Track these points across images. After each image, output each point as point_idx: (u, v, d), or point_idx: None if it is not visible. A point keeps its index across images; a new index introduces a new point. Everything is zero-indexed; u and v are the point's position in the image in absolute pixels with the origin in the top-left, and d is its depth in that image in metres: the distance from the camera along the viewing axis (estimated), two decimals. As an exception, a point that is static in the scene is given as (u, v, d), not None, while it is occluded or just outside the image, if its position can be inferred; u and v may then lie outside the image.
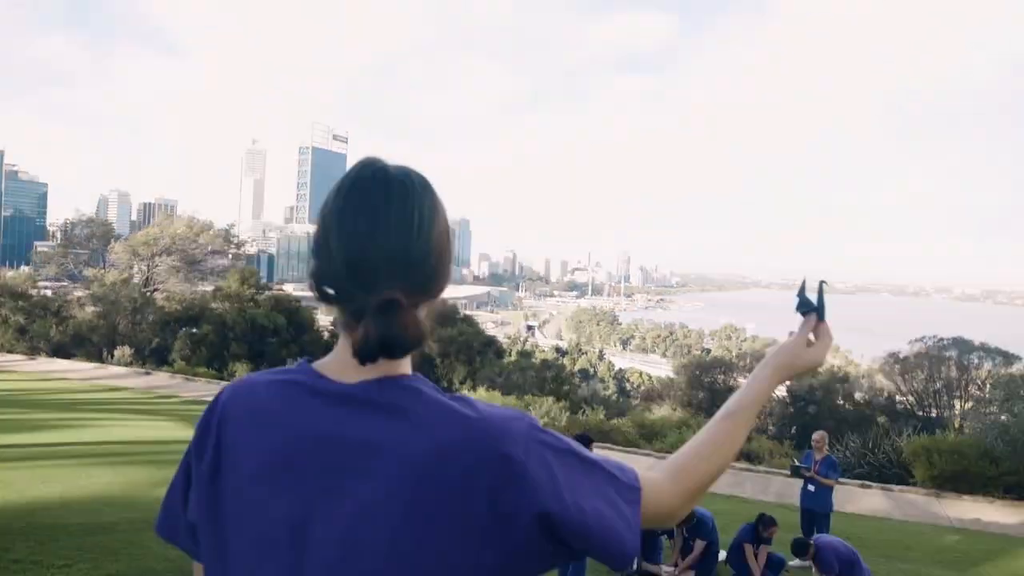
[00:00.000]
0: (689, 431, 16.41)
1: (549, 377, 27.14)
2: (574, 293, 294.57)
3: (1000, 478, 12.82)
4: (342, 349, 0.94)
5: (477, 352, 29.13)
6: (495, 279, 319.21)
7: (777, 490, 13.27)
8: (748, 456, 16.55)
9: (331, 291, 0.92)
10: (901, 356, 21.32)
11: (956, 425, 19.06)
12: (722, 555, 8.40)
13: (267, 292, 32.31)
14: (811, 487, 8.81)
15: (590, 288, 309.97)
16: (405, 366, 0.95)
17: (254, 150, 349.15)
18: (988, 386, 21.02)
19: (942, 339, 21.16)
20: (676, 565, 8.03)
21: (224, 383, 23.46)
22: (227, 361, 26.24)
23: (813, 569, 7.36)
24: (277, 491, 0.88)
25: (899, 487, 13.44)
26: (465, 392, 21.93)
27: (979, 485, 13.03)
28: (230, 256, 40.18)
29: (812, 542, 7.27)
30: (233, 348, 27.06)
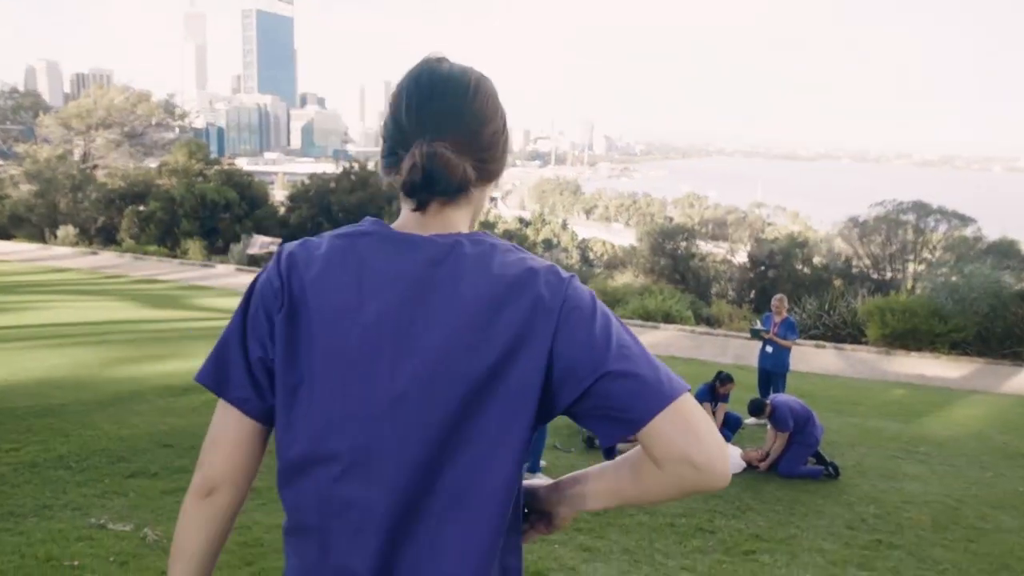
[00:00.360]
0: (651, 297, 16.54)
1: (512, 248, 26.92)
2: (537, 163, 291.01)
3: (947, 335, 13.23)
4: (405, 215, 1.08)
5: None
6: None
7: (735, 352, 13.55)
8: (708, 320, 16.85)
9: (392, 160, 1.05)
10: (860, 220, 21.50)
11: (909, 287, 19.55)
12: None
13: (217, 167, 30.95)
14: (769, 348, 8.89)
15: (553, 157, 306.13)
16: (463, 226, 1.08)
17: (193, 13, 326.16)
18: (940, 248, 21.46)
19: (901, 203, 21.30)
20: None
21: (176, 261, 22.97)
22: (178, 238, 25.43)
23: (768, 427, 7.50)
24: (362, 320, 1.00)
25: (852, 346, 13.82)
26: None
27: (927, 342, 13.45)
28: (176, 130, 38.16)
29: (768, 401, 7.36)
30: (184, 225, 26.16)
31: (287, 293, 1.02)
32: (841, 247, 22.82)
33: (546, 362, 0.98)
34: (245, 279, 19.82)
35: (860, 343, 14.19)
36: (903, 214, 21.31)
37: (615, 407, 0.97)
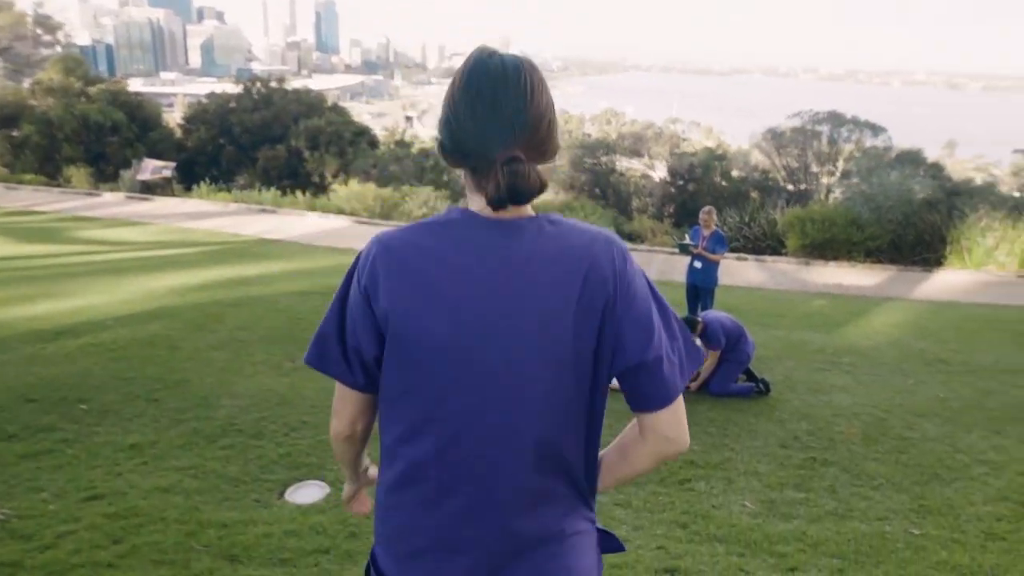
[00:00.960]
0: (572, 214, 16.06)
1: (428, 166, 25.91)
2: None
3: (863, 243, 13.35)
4: (474, 204, 1.29)
5: (349, 143, 27.17)
6: (368, 67, 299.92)
7: (659, 268, 13.32)
8: (630, 236, 16.57)
9: (459, 155, 1.25)
10: (778, 131, 21.46)
11: (823, 197, 19.79)
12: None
13: (100, 85, 28.13)
14: (698, 263, 8.56)
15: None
16: (529, 209, 1.31)
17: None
18: (854, 158, 21.76)
19: (817, 113, 21.33)
20: None
21: (57, 190, 20.91)
22: (59, 165, 23.13)
23: (701, 345, 7.20)
24: (464, 284, 1.22)
25: (772, 258, 13.81)
26: (338, 186, 20.12)
27: (844, 251, 13.55)
28: (57, 48, 34.40)
29: (699, 318, 7.03)
30: (65, 151, 23.76)
31: (373, 281, 1.28)
32: (758, 159, 22.86)
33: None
34: (136, 208, 18.20)
35: (780, 254, 14.20)
36: (818, 125, 21.39)
37: (635, 391, 1.32)
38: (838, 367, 7.92)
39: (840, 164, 21.35)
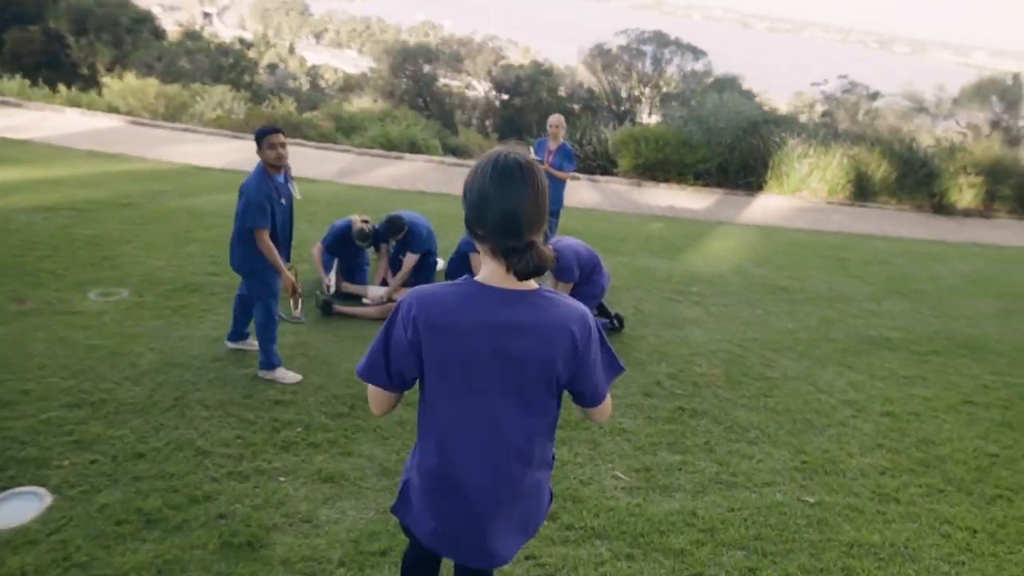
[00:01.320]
0: (393, 123, 14.42)
1: (227, 64, 22.58)
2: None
3: (695, 166, 13.09)
4: (490, 269, 1.76)
5: (127, 30, 22.95)
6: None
7: (489, 186, 12.19)
8: (455, 151, 15.27)
9: (483, 234, 1.72)
10: (605, 48, 20.85)
11: (648, 118, 19.62)
12: (440, 264, 6.99)
13: None
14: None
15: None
16: (533, 283, 1.79)
17: None
18: (675, 80, 21.82)
19: (643, 31, 20.94)
20: (385, 283, 6.41)
21: None
22: None
23: (551, 277, 6.22)
24: (476, 347, 1.74)
25: (604, 178, 13.19)
26: (111, 80, 16.48)
27: (675, 173, 13.24)
28: None
29: (551, 246, 5.99)
30: None
31: (417, 333, 1.76)
32: (585, 77, 22.26)
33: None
34: None
35: (612, 174, 13.64)
36: (644, 44, 21.05)
37: (579, 397, 1.90)
38: (687, 297, 7.35)
39: (662, 86, 21.30)
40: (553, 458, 1.98)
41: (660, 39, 21.15)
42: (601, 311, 6.41)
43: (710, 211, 12.03)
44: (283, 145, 4.44)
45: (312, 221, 8.46)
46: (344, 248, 6.25)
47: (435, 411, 1.85)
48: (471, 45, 21.42)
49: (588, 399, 1.89)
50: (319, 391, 4.62)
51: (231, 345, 5.04)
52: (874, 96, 23.65)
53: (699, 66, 21.57)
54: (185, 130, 13.44)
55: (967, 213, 13.92)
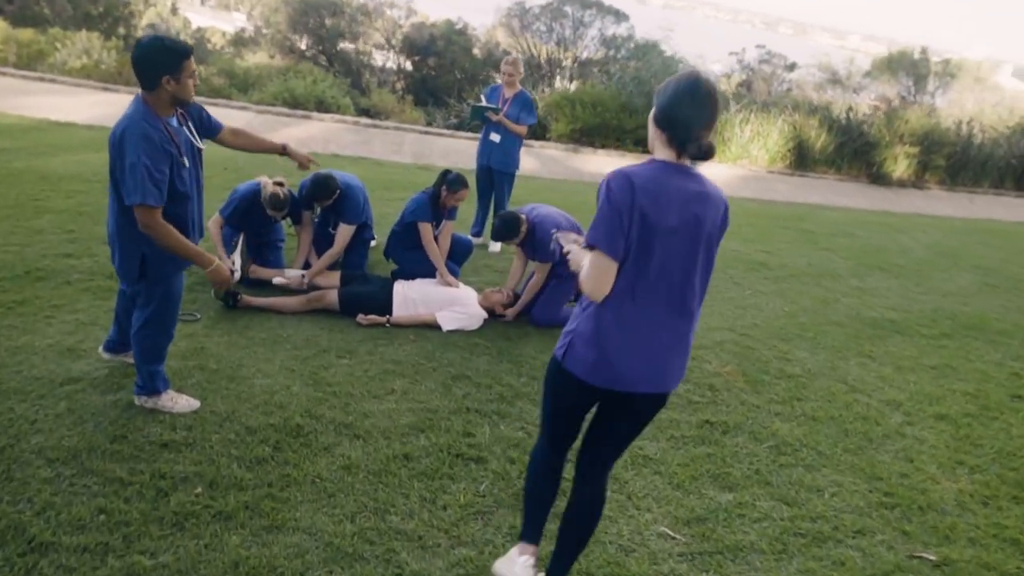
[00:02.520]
0: (297, 79, 12.62)
1: (96, 13, 19.76)
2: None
3: (635, 131, 12.10)
4: (665, 155, 2.11)
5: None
6: None
7: (413, 150, 10.74)
8: (368, 112, 13.64)
9: (674, 131, 2.07)
10: (526, 7, 19.51)
11: (569, 83, 18.50)
12: (374, 241, 5.61)
13: None
14: (495, 135, 6.20)
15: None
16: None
17: None
18: (595, 44, 20.79)
19: (564, -11, 19.71)
20: (308, 265, 4.98)
21: None
22: None
23: (517, 255, 4.98)
24: (672, 214, 2.03)
25: (538, 143, 11.97)
26: None
27: (613, 139, 12.20)
28: None
29: (524, 216, 4.76)
30: None
31: (635, 203, 2.02)
32: (502, 38, 20.88)
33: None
34: None
35: (543, 139, 12.43)
36: (565, 5, 19.85)
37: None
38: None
39: (581, 51, 20.22)
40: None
41: (581, 0, 20.00)
42: (578, 297, 5.24)
43: (656, 180, 11.08)
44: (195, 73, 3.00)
45: (206, 189, 6.84)
46: (251, 220, 4.76)
47: (627, 273, 2.08)
48: (375, 3, 19.55)
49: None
50: (226, 423, 3.23)
51: (106, 356, 3.54)
52: (791, 67, 23.50)
53: (621, 30, 20.61)
54: (41, 79, 11.19)
55: (901, 184, 13.65)
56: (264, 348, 3.99)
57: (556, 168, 10.83)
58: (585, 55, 21.28)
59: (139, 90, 2.85)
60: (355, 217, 4.80)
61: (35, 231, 5.15)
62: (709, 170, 12.93)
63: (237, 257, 4.67)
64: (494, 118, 6.06)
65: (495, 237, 4.73)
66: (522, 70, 6.20)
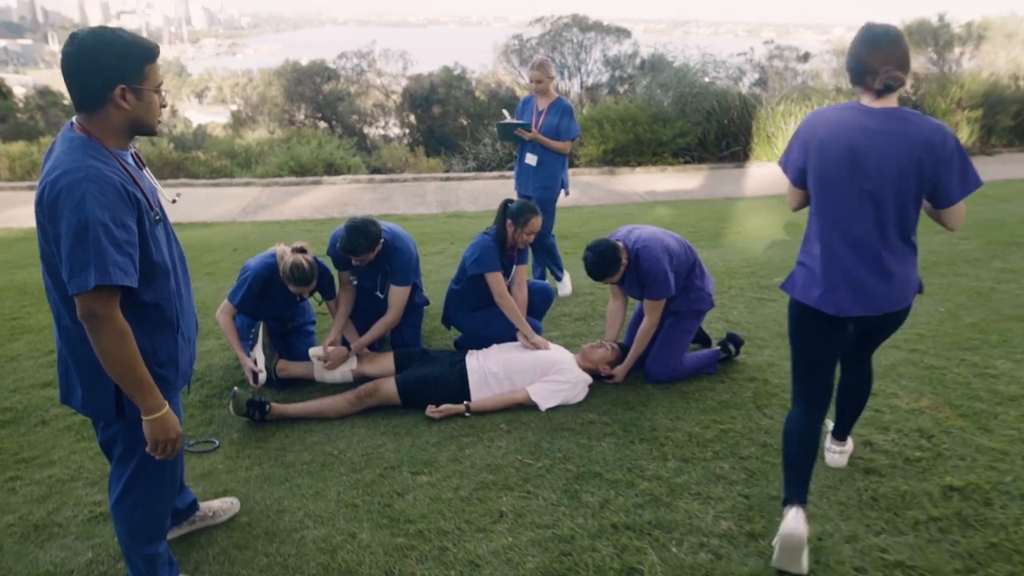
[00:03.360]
0: (303, 145, 11.77)
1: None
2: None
3: (673, 141, 11.03)
4: (862, 96, 2.24)
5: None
6: (11, 30, 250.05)
7: (438, 198, 9.74)
8: (380, 170, 12.74)
9: (862, 75, 2.19)
10: (524, 39, 18.77)
11: (581, 108, 17.63)
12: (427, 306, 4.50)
13: None
14: (531, 157, 5.04)
15: (145, 35, 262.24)
16: (894, 101, 2.21)
17: None
18: (602, 66, 19.99)
19: (561, 16, 19.00)
20: (333, 344, 3.85)
21: None
22: None
23: (614, 293, 3.87)
24: (851, 149, 2.19)
25: (570, 170, 10.91)
26: None
27: (649, 154, 11.14)
28: None
29: (621, 243, 3.63)
30: None
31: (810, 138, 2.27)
32: (503, 77, 20.14)
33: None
34: None
35: (572, 166, 11.40)
36: (564, 31, 19.11)
37: (934, 199, 2.25)
38: (776, 291, 5.12)
39: (591, 68, 19.40)
40: (914, 249, 2.31)
41: (580, 23, 19.26)
42: (700, 337, 4.08)
43: (708, 188, 9.95)
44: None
45: (213, 274, 5.84)
46: (270, 303, 3.69)
47: (820, 212, 2.27)
48: (371, 58, 18.94)
49: (940, 201, 2.21)
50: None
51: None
52: (805, 57, 22.47)
53: (625, 47, 19.80)
54: (31, 188, 10.42)
55: (970, 152, 12.39)
56: (311, 477, 2.86)
57: (598, 194, 9.76)
58: (591, 80, 20.48)
59: (72, 117, 1.82)
60: (409, 274, 3.71)
61: (8, 358, 4.12)
62: (761, 171, 11.88)
63: (259, 353, 3.58)
64: (527, 136, 4.94)
65: (593, 274, 3.59)
66: (553, 73, 5.07)
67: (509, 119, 5.18)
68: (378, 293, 3.81)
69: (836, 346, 2.40)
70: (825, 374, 2.42)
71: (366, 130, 17.75)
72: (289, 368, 3.69)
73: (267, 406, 3.29)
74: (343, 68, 18.31)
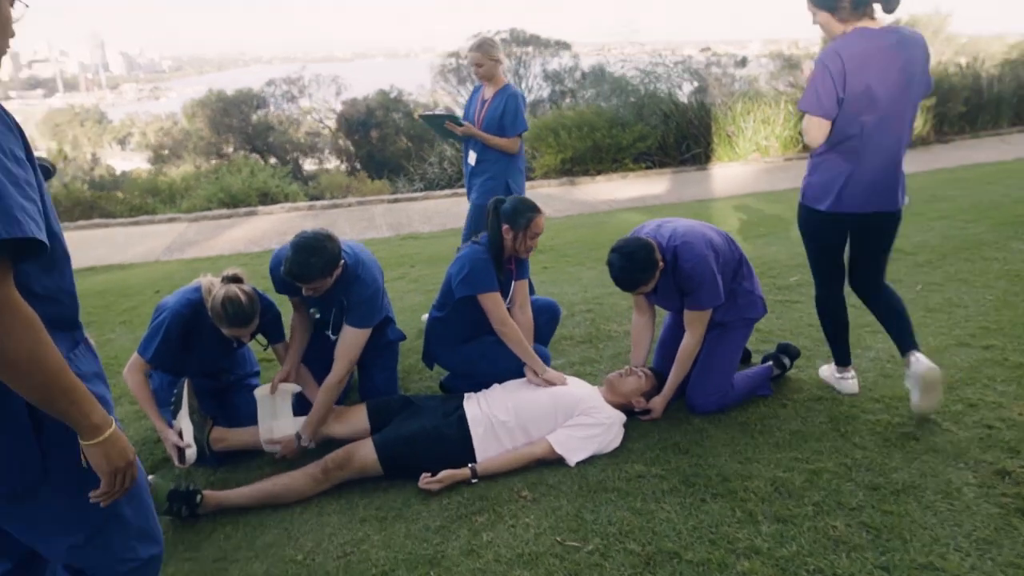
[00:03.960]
0: (233, 175, 10.75)
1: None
2: (39, 92, 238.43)
3: (634, 146, 10.45)
4: (860, 25, 2.55)
5: None
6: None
7: (387, 221, 8.88)
8: (316, 197, 11.79)
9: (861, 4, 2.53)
10: (463, 56, 18.14)
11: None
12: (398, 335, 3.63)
13: None
14: (472, 156, 4.20)
15: (60, 84, 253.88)
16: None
17: None
18: (542, 80, 19.53)
19: (499, 31, 18.43)
20: (286, 379, 2.94)
21: None
22: None
23: (640, 306, 3.11)
24: (887, 67, 2.52)
25: (527, 183, 10.19)
26: None
27: (609, 160, 10.53)
28: None
29: (653, 240, 2.88)
30: None
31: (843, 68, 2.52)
32: (441, 98, 19.44)
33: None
34: None
35: (529, 179, 10.70)
36: (503, 47, 18.55)
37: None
38: (798, 291, 4.45)
39: (531, 86, 18.87)
40: None
41: (517, 38, 18.76)
42: (744, 357, 3.34)
43: (676, 192, 9.36)
44: None
45: (130, 323, 4.87)
46: (196, 353, 2.78)
47: (862, 130, 2.58)
48: (301, 84, 18.01)
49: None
50: None
51: None
52: (743, 62, 22.49)
53: (566, 60, 19.37)
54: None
55: (924, 141, 12.20)
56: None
57: (561, 205, 9.05)
58: (533, 96, 19.96)
59: None
60: (370, 313, 2.83)
61: None
62: (723, 172, 11.40)
63: (185, 422, 2.66)
64: (458, 130, 4.06)
65: (621, 279, 2.80)
66: (498, 55, 4.05)
67: (441, 110, 4.30)
68: (329, 333, 2.94)
69: (845, 239, 2.83)
70: (839, 259, 2.87)
71: (301, 160, 16.76)
72: (228, 437, 2.78)
73: (198, 496, 2.38)
74: (272, 96, 17.31)
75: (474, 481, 2.51)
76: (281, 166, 13.59)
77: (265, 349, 2.96)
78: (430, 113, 4.24)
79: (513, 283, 3.08)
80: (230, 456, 2.78)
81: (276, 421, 2.80)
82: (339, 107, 17.97)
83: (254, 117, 16.83)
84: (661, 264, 2.75)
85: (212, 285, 2.64)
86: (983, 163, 10.00)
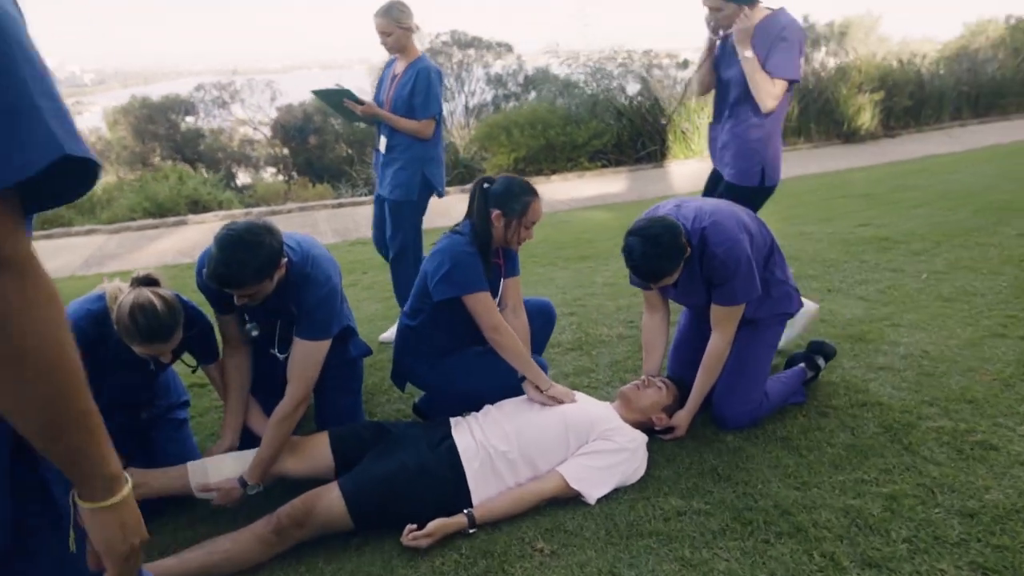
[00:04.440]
0: (159, 183, 9.89)
1: None
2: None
3: (589, 143, 10.06)
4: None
5: None
6: None
7: (332, 227, 8.25)
8: (252, 206, 11.02)
9: None
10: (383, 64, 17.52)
11: (465, 125, 16.54)
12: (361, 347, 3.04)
13: None
14: (382, 141, 3.60)
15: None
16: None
17: None
18: (484, 84, 19.07)
19: (440, 33, 17.88)
20: (230, 447, 2.33)
21: None
22: None
23: (652, 302, 2.62)
24: None
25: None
26: None
27: (564, 159, 10.12)
28: None
29: (677, 220, 2.38)
30: None
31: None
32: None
33: None
34: None
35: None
36: (444, 49, 18.00)
37: None
38: (809, 284, 4.06)
39: (473, 90, 18.37)
40: None
41: (458, 40, 18.23)
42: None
43: (637, 190, 8.98)
44: None
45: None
46: (105, 379, 2.14)
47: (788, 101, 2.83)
48: (232, 88, 17.09)
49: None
50: None
51: None
52: (684, 64, 22.52)
53: (509, 62, 18.92)
54: None
55: (873, 137, 12.21)
56: None
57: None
58: (475, 100, 19.47)
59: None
60: (326, 321, 2.25)
61: None
62: (681, 169, 11.13)
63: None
64: (358, 109, 3.48)
65: (640, 273, 2.30)
66: (408, 22, 3.41)
67: (336, 85, 3.64)
68: (274, 351, 2.36)
69: None
70: None
71: (235, 169, 15.83)
72: (147, 482, 2.16)
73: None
74: (202, 101, 16.34)
75: (472, 531, 1.97)
76: (213, 175, 12.73)
77: (194, 372, 2.35)
78: (324, 88, 3.55)
79: (503, 281, 2.56)
80: (150, 510, 2.16)
81: (212, 460, 2.20)
82: (274, 113, 17.10)
83: (183, 125, 15.83)
84: (688, 250, 2.27)
85: (119, 291, 2.03)
86: (936, 155, 9.97)
